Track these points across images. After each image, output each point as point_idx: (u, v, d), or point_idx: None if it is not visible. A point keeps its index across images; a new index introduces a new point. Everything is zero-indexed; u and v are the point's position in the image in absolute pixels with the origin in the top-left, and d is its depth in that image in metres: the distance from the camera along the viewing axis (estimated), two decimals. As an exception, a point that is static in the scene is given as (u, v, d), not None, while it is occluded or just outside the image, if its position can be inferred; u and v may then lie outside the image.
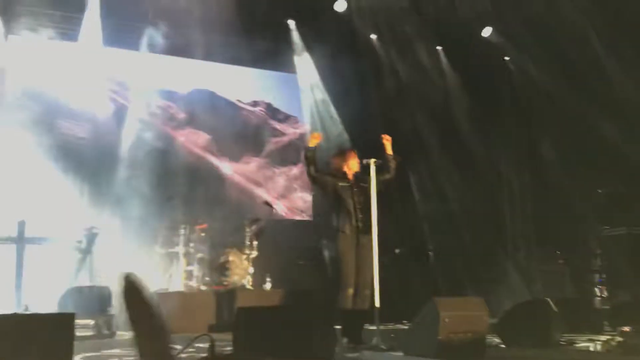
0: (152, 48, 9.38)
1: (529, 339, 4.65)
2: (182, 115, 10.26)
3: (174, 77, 10.15)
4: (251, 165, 10.77)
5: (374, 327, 5.04)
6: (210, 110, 10.26)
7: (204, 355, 3.87)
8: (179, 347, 5.03)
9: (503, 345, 4.79)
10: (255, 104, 11.06)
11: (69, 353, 3.72)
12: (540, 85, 10.23)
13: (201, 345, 4.88)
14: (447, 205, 10.67)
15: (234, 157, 10.55)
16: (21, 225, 6.59)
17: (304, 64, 10.81)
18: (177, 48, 9.54)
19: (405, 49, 10.66)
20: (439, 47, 11.04)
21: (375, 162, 5.08)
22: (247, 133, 10.81)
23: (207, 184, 9.76)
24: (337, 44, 10.13)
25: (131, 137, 9.20)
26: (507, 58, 11.13)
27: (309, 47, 10.56)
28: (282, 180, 10.99)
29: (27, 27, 8.99)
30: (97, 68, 9.35)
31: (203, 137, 10.34)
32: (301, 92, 11.03)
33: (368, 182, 5.21)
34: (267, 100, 11.17)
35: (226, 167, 10.43)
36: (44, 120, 8.54)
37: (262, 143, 11.04)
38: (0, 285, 6.81)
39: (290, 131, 11.23)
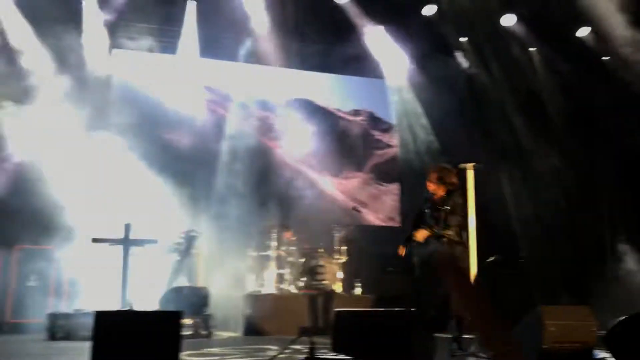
0: (248, 58, 9.67)
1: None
2: (279, 126, 10.33)
3: (271, 87, 10.20)
4: (353, 181, 10.55)
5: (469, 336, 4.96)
6: (309, 121, 10.28)
7: (304, 356, 3.96)
8: (276, 348, 5.18)
9: (612, 359, 4.55)
10: (356, 113, 10.88)
11: (177, 349, 3.88)
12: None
13: (298, 347, 5.00)
14: (542, 210, 10.27)
15: (334, 171, 10.40)
16: (127, 227, 6.94)
17: (393, 69, 10.76)
18: (272, 57, 9.75)
19: (497, 51, 10.40)
20: (532, 49, 10.69)
21: (474, 166, 4.98)
22: (348, 144, 10.63)
23: (302, 193, 9.87)
24: (425, 48, 10.05)
25: (229, 146, 9.53)
26: (605, 58, 10.60)
27: (397, 51, 10.51)
28: (390, 200, 10.68)
29: (129, 40, 9.56)
30: (195, 78, 9.80)
31: (301, 149, 10.30)
32: (390, 97, 10.95)
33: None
34: (368, 109, 10.92)
35: (326, 182, 10.30)
36: (147, 128, 9.01)
37: (365, 156, 10.78)
38: (108, 284, 7.25)
39: (395, 142, 10.93)
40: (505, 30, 10.11)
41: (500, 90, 10.39)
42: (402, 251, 5.77)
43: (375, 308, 7.88)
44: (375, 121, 10.86)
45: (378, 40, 10.34)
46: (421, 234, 5.52)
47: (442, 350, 4.34)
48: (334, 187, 10.32)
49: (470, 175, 4.95)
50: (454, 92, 10.31)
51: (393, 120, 10.97)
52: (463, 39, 10.54)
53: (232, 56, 9.77)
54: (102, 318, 3.84)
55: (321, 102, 10.64)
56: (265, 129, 10.26)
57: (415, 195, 10.35)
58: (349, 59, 10.02)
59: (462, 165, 5.15)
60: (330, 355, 3.90)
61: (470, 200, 4.92)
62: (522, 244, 10.25)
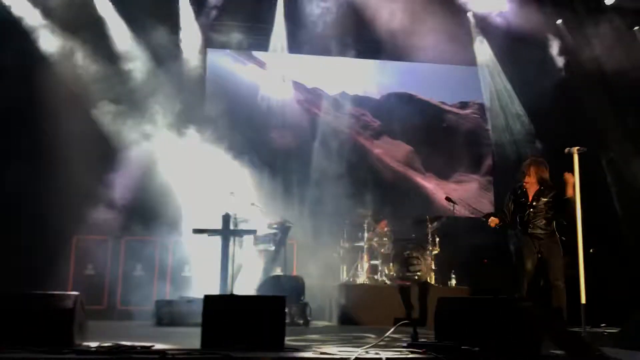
0: (341, 52, 9.68)
1: None
2: (376, 124, 10.05)
3: (366, 81, 10.03)
4: (468, 186, 9.95)
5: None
6: (410, 116, 9.85)
7: (407, 340, 3.96)
8: (373, 336, 5.20)
9: None
10: (463, 105, 10.30)
11: (282, 333, 3.99)
12: None
13: (395, 335, 4.98)
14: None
15: (442, 174, 9.95)
16: (225, 218, 7.19)
17: (484, 55, 10.45)
18: (365, 50, 9.72)
19: (595, 32, 9.85)
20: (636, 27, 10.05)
21: (578, 150, 4.78)
22: (457, 142, 10.07)
23: (396, 185, 9.78)
24: (513, 31, 9.67)
25: (322, 141, 9.64)
26: None
27: (489, 35, 10.18)
28: (482, 190, 10.01)
29: (222, 38, 9.87)
30: (286, 74, 9.97)
31: (403, 149, 9.94)
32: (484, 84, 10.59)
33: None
34: (478, 101, 10.20)
35: (432, 186, 9.87)
36: (241, 124, 9.28)
37: (479, 155, 10.14)
38: (209, 273, 7.55)
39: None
40: (606, 7, 9.57)
41: (599, 71, 9.85)
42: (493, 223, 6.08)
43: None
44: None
45: (469, 24, 10.09)
46: (493, 221, 6.03)
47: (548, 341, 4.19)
48: (441, 190, 9.88)
49: (576, 160, 4.74)
50: (549, 76, 9.86)
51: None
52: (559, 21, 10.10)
53: (322, 51, 9.82)
54: (211, 302, 4.03)
55: (422, 94, 10.13)
56: (361, 125, 10.13)
57: (509, 185, 10.13)
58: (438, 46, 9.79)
59: (568, 150, 4.95)
60: (433, 341, 3.88)
61: (577, 185, 4.71)
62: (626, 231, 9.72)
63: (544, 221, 5.80)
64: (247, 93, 9.90)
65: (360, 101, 10.10)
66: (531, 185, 5.91)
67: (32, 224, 8.09)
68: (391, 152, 10.02)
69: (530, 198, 5.92)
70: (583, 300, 4.57)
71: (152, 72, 9.09)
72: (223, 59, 10.02)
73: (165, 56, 9.14)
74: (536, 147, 9.73)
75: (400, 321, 4.41)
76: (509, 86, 10.26)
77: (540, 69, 9.70)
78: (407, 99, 10.05)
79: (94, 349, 3.55)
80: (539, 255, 5.77)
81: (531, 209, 5.86)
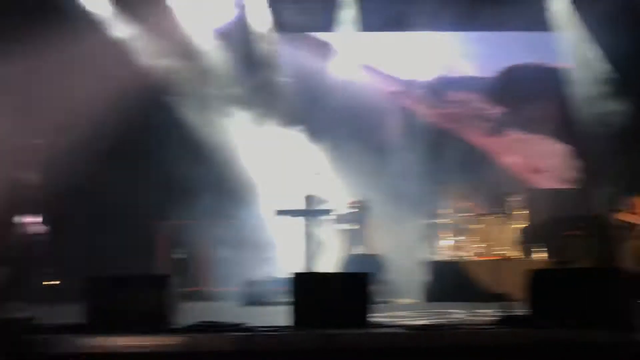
0: (423, 25, 9.31)
1: None
2: (494, 111, 9.48)
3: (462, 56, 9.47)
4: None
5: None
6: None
7: (494, 315, 3.86)
8: (461, 311, 5.12)
9: None
10: None
11: (368, 309, 4.00)
12: None
13: (485, 311, 4.87)
14: None
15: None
16: (308, 199, 7.27)
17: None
18: (450, 22, 9.19)
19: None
20: None
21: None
22: None
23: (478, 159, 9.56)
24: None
25: (400, 120, 9.49)
26: None
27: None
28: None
29: (291, 21, 9.86)
30: (360, 54, 9.83)
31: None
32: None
33: None
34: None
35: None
36: (316, 105, 9.29)
37: None
38: (292, 253, 7.68)
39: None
40: None
41: None
42: None
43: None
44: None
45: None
46: None
47: None
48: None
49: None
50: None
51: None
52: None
53: (401, 26, 9.53)
54: (298, 279, 4.09)
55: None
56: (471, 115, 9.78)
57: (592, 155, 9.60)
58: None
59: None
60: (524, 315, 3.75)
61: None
62: None
63: None
64: (321, 77, 9.86)
65: (464, 83, 9.56)
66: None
67: (125, 211, 8.47)
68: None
69: None
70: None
71: (226, 59, 9.25)
72: (295, 42, 10.01)
73: (236, 41, 9.27)
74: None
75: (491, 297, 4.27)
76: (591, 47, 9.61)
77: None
78: (532, 71, 9.33)
79: (187, 327, 3.68)
80: None
81: None
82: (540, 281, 3.79)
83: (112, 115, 8.68)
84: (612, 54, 9.26)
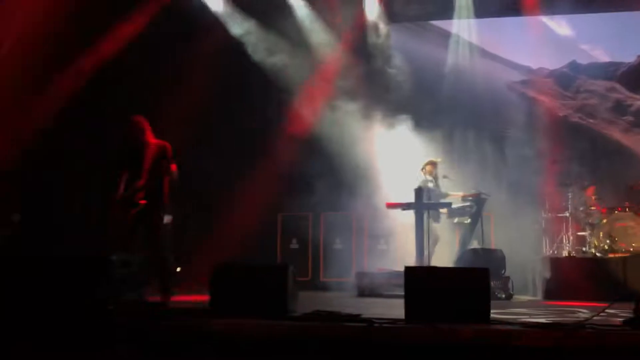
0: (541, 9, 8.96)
1: None
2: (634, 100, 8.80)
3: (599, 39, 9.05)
4: None
5: None
6: None
7: (627, 316, 3.64)
8: (585, 311, 4.85)
9: None
10: None
11: (487, 305, 3.90)
12: None
13: (611, 311, 4.59)
14: None
15: None
16: (418, 192, 7.20)
17: None
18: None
19: None
20: None
21: None
22: None
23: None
24: None
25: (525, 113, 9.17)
26: None
27: None
28: None
29: (403, 12, 9.77)
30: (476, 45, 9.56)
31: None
32: None
33: None
34: None
35: None
36: (426, 98, 9.16)
37: None
38: (404, 246, 7.66)
39: None
40: None
41: None
42: None
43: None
44: None
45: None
46: None
47: None
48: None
49: None
50: None
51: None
52: None
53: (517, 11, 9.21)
54: (413, 273, 4.07)
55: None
56: (609, 107, 9.26)
57: None
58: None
59: None
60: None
61: None
62: None
63: None
64: (433, 67, 9.71)
65: (600, 70, 9.08)
66: None
67: (243, 204, 8.85)
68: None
69: None
70: None
71: (337, 52, 9.35)
72: (407, 33, 9.93)
73: (348, 35, 9.34)
74: None
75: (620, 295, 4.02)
76: None
77: None
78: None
79: (310, 315, 3.80)
80: None
81: None
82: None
83: (231, 113, 9.13)
84: None
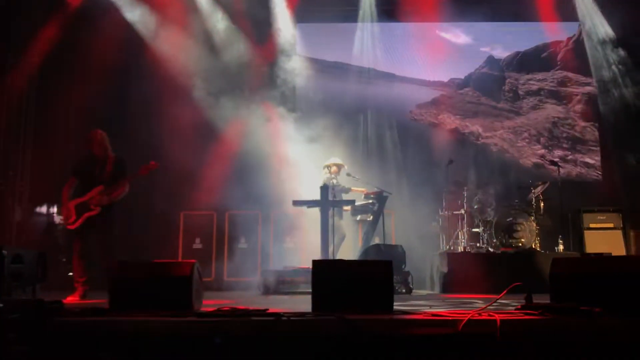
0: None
1: None
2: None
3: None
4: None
5: None
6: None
7: (518, 304, 3.85)
8: (480, 302, 5.11)
9: None
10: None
11: (390, 297, 4.01)
12: None
13: (504, 301, 4.87)
14: None
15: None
16: (323, 190, 7.28)
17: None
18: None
19: None
20: None
21: None
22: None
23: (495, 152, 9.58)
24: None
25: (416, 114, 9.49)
26: None
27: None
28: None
29: (311, 13, 9.86)
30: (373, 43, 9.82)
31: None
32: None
33: None
34: None
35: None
36: (334, 99, 9.29)
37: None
38: (308, 244, 7.71)
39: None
40: None
41: None
42: None
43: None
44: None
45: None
46: None
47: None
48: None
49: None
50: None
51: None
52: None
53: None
54: (320, 267, 4.10)
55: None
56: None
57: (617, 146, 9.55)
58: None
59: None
60: (550, 302, 3.74)
61: None
62: None
63: None
64: (338, 66, 9.89)
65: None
66: None
67: (143, 204, 8.54)
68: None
69: None
70: None
71: (243, 49, 9.25)
72: (314, 32, 10.03)
73: (255, 33, 9.27)
74: None
75: (513, 284, 4.25)
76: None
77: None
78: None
79: (213, 312, 3.72)
80: None
81: None
82: (560, 269, 3.78)
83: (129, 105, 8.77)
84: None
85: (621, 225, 8.61)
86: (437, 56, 9.60)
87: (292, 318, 3.51)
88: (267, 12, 9.47)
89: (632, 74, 9.59)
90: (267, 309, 3.85)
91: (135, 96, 8.75)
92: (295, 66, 9.52)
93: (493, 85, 10.35)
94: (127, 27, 8.93)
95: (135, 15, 9.03)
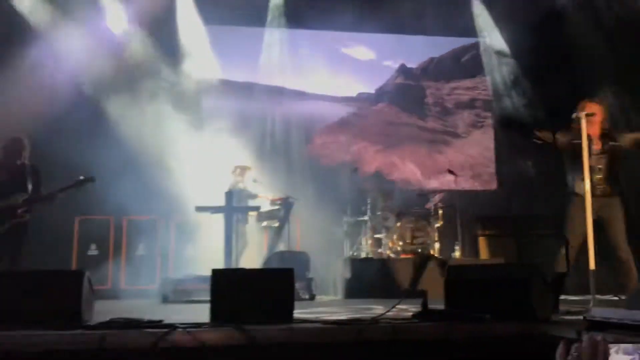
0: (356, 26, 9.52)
1: None
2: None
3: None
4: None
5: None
6: None
7: (415, 310, 3.94)
8: (381, 307, 5.20)
9: None
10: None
11: (291, 305, 3.98)
12: None
13: (403, 307, 4.98)
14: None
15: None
16: (228, 195, 7.15)
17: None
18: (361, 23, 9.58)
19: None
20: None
21: (586, 115, 4.65)
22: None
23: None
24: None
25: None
26: None
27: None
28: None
29: (219, 15, 9.70)
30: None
31: None
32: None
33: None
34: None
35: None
36: (239, 100, 9.19)
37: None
38: (212, 249, 7.54)
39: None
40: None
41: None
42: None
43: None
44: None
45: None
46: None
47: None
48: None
49: (584, 124, 4.63)
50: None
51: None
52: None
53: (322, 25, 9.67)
54: (219, 276, 4.00)
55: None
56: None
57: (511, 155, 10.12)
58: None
59: (575, 115, 4.81)
60: (443, 309, 3.86)
61: (584, 148, 4.59)
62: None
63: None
64: (245, 70, 9.79)
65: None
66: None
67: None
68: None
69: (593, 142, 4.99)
70: (592, 266, 4.52)
71: (146, 50, 8.96)
72: (221, 36, 9.86)
73: (157, 33, 9.01)
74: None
75: (409, 291, 4.36)
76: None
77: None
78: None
79: (104, 324, 3.53)
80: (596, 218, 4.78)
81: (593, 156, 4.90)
82: (454, 276, 3.92)
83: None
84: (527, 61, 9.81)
85: (513, 232, 9.08)
86: (341, 69, 9.72)
87: (187, 329, 3.40)
88: (171, 13, 9.21)
89: (520, 85, 10.18)
90: (162, 320, 3.70)
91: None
92: (199, 68, 9.33)
93: (412, 98, 10.37)
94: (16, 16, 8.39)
95: (25, 5, 8.50)
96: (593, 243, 4.48)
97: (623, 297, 5.08)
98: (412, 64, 10.52)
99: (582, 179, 4.61)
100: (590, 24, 9.40)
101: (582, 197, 4.65)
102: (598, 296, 4.61)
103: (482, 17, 10.32)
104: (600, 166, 5.02)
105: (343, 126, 9.98)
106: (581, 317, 3.41)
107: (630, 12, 9.17)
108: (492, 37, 10.38)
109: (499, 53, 10.29)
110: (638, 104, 8.44)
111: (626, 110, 8.17)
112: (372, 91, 10.32)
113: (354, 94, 10.27)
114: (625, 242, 5.00)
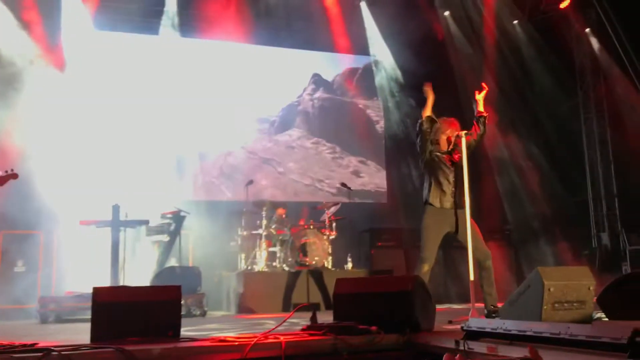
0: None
1: (636, 312, 4.43)
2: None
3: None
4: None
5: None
6: None
7: (306, 324, 3.97)
8: (272, 322, 5.19)
9: (606, 319, 4.62)
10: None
11: (178, 323, 3.87)
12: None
13: (294, 320, 5.00)
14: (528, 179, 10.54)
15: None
16: (115, 209, 6.87)
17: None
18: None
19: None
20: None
21: (466, 134, 4.94)
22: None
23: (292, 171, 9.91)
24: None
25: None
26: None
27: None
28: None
29: (112, 22, 9.34)
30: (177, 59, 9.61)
31: None
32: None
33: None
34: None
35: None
36: (122, 112, 8.87)
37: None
38: (98, 265, 7.19)
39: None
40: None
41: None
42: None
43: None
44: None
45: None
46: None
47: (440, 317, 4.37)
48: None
49: (464, 143, 4.90)
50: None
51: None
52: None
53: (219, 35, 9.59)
54: (101, 294, 3.81)
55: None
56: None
57: (400, 170, 10.55)
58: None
59: (457, 134, 5.10)
60: (331, 322, 3.91)
61: (464, 168, 4.87)
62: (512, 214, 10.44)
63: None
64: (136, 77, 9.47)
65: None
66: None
67: None
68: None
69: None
70: (472, 277, 4.76)
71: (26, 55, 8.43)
72: (113, 43, 9.49)
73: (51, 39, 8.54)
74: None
75: (299, 306, 4.40)
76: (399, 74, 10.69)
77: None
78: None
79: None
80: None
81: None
82: (342, 289, 3.99)
83: None
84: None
85: (402, 244, 9.41)
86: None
87: (63, 352, 3.20)
88: (60, 14, 8.75)
89: (403, 102, 10.70)
90: (36, 343, 3.46)
91: None
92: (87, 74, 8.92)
93: (310, 116, 10.70)
94: None
95: None
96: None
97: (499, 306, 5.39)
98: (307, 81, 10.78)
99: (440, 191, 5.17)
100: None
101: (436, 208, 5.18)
102: (477, 305, 4.87)
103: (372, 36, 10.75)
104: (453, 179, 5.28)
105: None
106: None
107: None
108: (382, 55, 10.81)
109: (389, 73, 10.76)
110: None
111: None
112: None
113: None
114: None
